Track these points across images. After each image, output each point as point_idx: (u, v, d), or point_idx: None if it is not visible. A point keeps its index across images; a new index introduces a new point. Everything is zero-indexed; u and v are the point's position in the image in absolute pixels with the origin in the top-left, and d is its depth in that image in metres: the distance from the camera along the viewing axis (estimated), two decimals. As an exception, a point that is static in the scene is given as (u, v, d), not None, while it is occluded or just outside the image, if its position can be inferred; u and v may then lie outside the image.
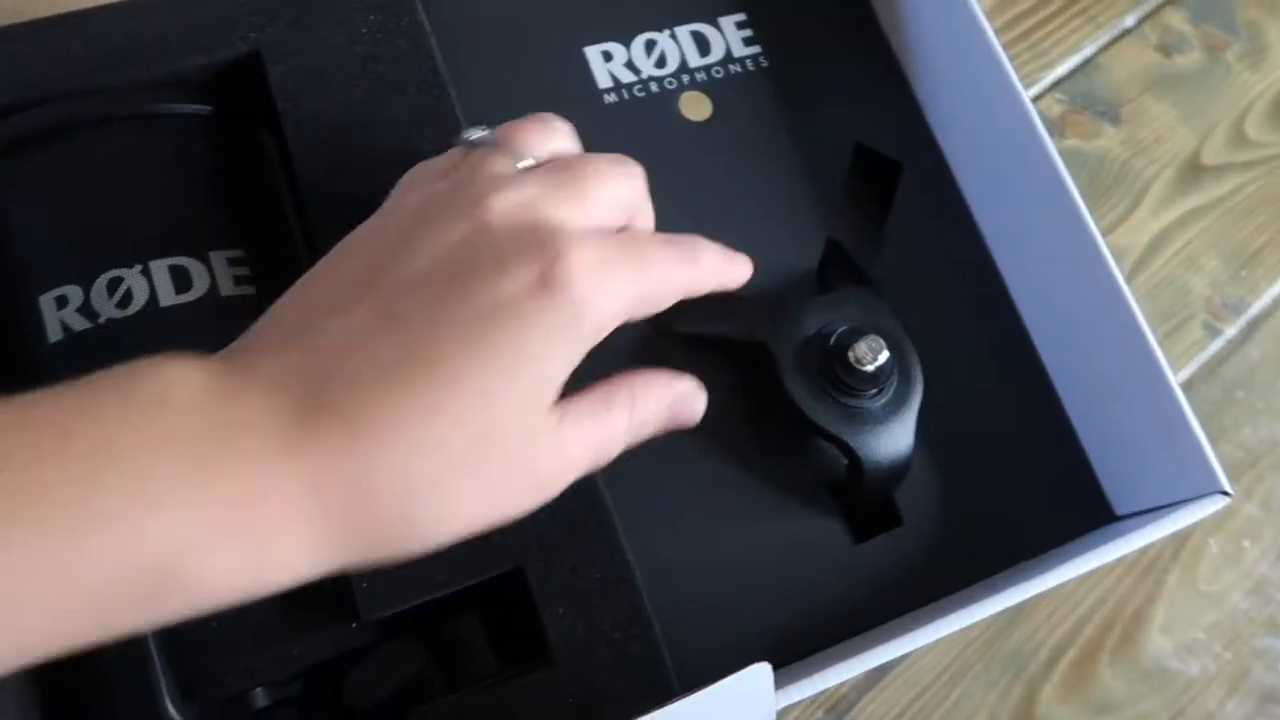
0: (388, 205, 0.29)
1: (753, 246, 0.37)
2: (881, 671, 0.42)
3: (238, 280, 0.31)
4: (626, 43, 0.39)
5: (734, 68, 0.39)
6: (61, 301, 0.30)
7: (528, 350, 0.25)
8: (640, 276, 0.27)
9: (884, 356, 0.32)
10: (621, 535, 0.30)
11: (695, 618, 0.32)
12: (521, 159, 0.29)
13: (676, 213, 0.37)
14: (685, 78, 0.39)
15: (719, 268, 0.31)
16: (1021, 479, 0.36)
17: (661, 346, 0.35)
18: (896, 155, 0.39)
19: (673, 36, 0.39)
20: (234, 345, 0.26)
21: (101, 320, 0.30)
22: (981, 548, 0.35)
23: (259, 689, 0.30)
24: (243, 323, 0.31)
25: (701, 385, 0.30)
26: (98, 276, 0.30)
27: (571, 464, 0.26)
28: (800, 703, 0.38)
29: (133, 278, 0.30)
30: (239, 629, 0.29)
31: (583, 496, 0.30)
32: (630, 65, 0.38)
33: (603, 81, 0.38)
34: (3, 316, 0.31)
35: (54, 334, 0.30)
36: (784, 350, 0.33)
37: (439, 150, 0.33)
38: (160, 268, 0.30)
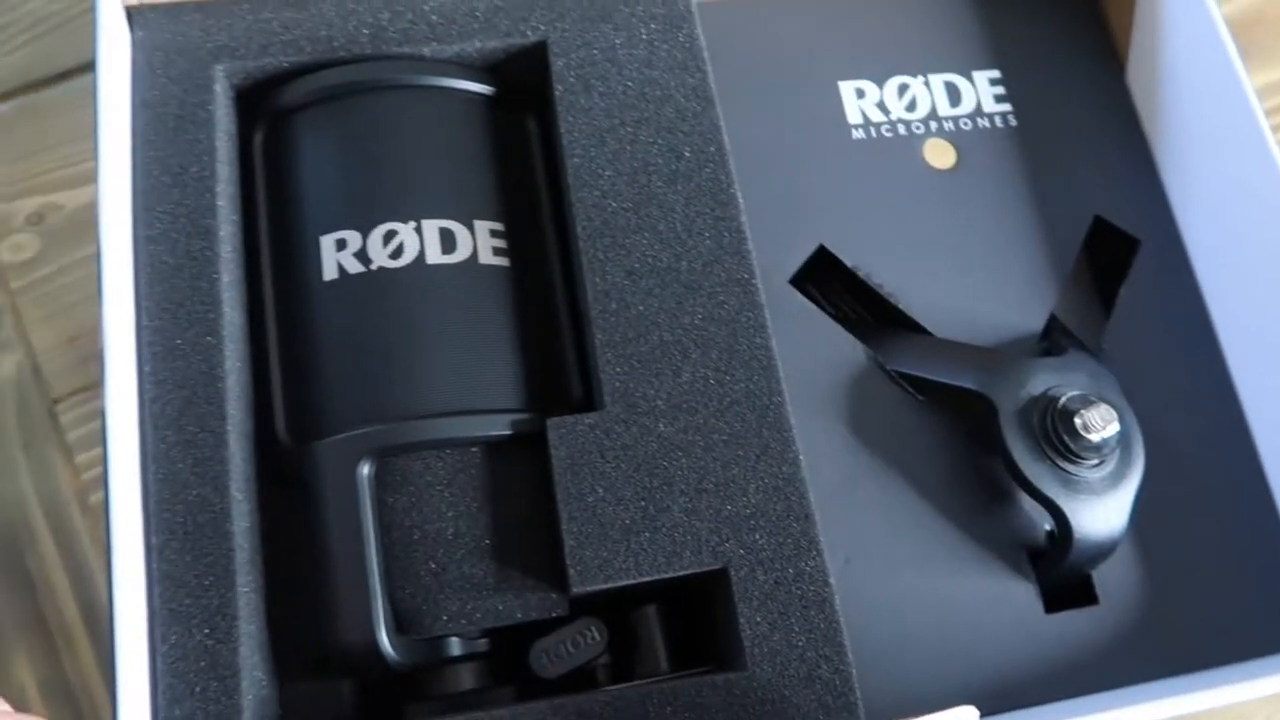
0: None
1: (978, 299, 0.37)
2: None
3: (495, 251, 0.33)
4: (880, 83, 0.39)
5: (982, 122, 0.40)
6: (341, 244, 0.32)
7: None
8: None
9: (1114, 427, 0.32)
10: (827, 559, 0.31)
11: (879, 652, 0.32)
12: None
13: (908, 256, 0.37)
14: (933, 124, 0.39)
15: None
16: (1230, 577, 0.35)
17: (876, 382, 0.36)
18: (1132, 227, 0.39)
19: (926, 84, 0.40)
20: None
21: (373, 266, 0.32)
22: (1178, 642, 0.34)
23: (455, 639, 0.31)
24: (494, 291, 0.33)
25: None
26: (375, 226, 0.32)
27: None
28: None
29: (406, 232, 0.32)
30: (456, 576, 0.30)
31: (793, 512, 0.31)
32: (881, 105, 0.39)
33: (853, 118, 0.39)
34: (286, 252, 0.33)
35: (329, 273, 0.32)
36: (1006, 405, 0.33)
37: (698, 159, 0.34)
38: (431, 227, 0.32)
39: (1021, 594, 0.34)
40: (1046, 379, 0.34)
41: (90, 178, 0.43)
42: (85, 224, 0.43)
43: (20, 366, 0.41)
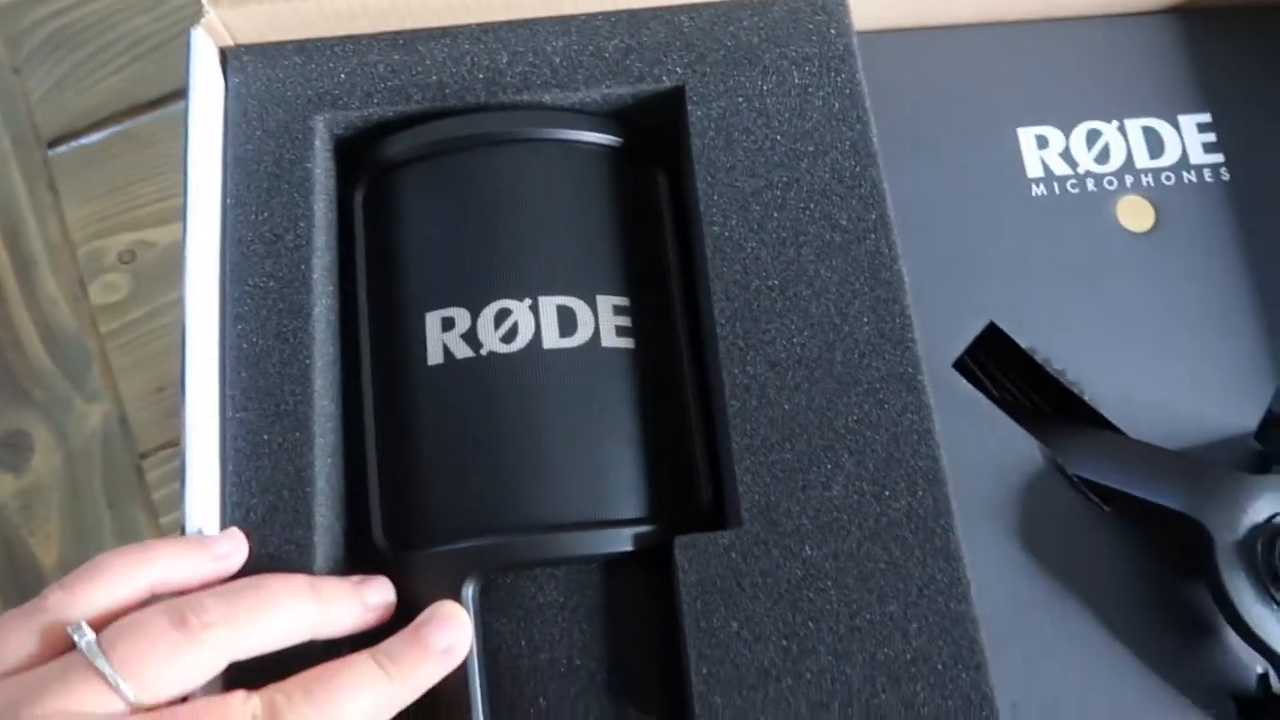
0: None
1: (1179, 390, 0.32)
2: None
3: (619, 331, 0.29)
4: (1067, 130, 0.34)
5: (1188, 175, 0.34)
6: (448, 324, 0.29)
7: None
8: None
9: (1360, 572, 0.26)
10: (1001, 705, 0.26)
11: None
12: (126, 697, 0.23)
13: (1095, 336, 0.32)
14: (1129, 179, 0.34)
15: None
16: None
17: (1054, 487, 0.31)
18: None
19: (1121, 130, 0.34)
20: None
21: (483, 351, 0.28)
22: None
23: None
24: (618, 379, 0.29)
25: None
26: (487, 304, 0.28)
27: None
28: None
29: (521, 311, 0.28)
30: (570, 715, 0.27)
31: (961, 659, 0.26)
32: (1066, 155, 0.34)
33: (1032, 170, 0.33)
34: (386, 329, 0.30)
35: (435, 356, 0.29)
36: (1223, 534, 0.28)
37: (856, 229, 0.29)
38: (549, 305, 0.29)
39: (1227, 751, 0.29)
40: (1272, 502, 0.28)
41: (185, 214, 0.41)
42: (178, 262, 0.41)
43: (108, 418, 0.39)
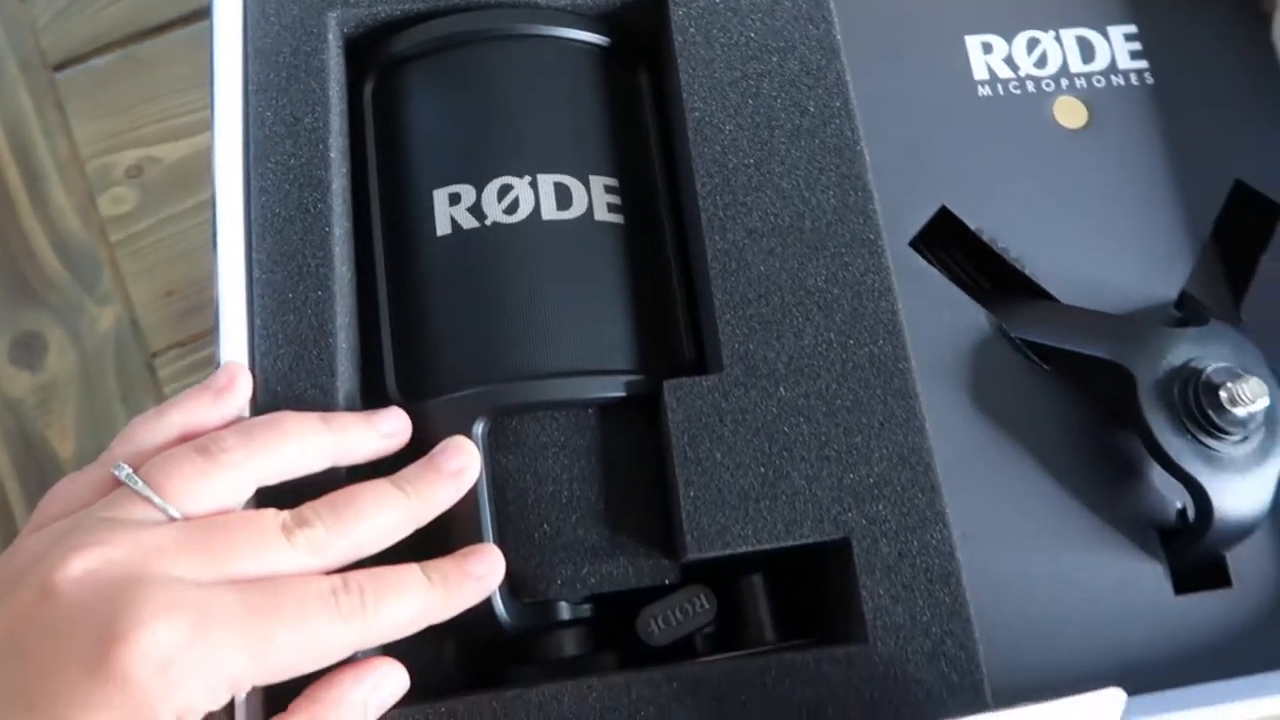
0: (16, 542, 0.26)
1: (1108, 266, 0.35)
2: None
3: (610, 208, 0.32)
4: (1009, 38, 0.37)
5: (1116, 79, 0.37)
6: (454, 199, 0.31)
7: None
8: (255, 642, 0.23)
9: (1263, 403, 0.30)
10: (953, 532, 0.29)
11: (1002, 629, 0.31)
12: (167, 510, 0.25)
13: (1035, 219, 0.36)
14: (1064, 81, 0.37)
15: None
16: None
17: (999, 350, 0.34)
18: (1276, 192, 0.36)
19: (1057, 39, 0.38)
20: None
21: (488, 222, 0.31)
22: (1317, 629, 0.32)
23: (562, 603, 0.31)
24: (609, 249, 0.32)
25: (394, 663, 0.27)
26: (490, 180, 0.31)
27: None
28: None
29: (521, 187, 0.31)
30: (571, 540, 0.29)
31: (918, 482, 0.30)
32: (1009, 61, 0.37)
33: (979, 73, 0.37)
34: (397, 206, 0.33)
35: (443, 228, 0.31)
36: (1145, 376, 0.32)
37: (822, 114, 0.33)
38: (547, 182, 0.31)
39: (1150, 574, 0.32)
40: (1188, 350, 0.32)
41: (190, 131, 0.43)
42: (184, 177, 0.43)
43: (119, 320, 0.42)
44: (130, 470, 0.26)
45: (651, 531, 0.30)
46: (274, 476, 0.27)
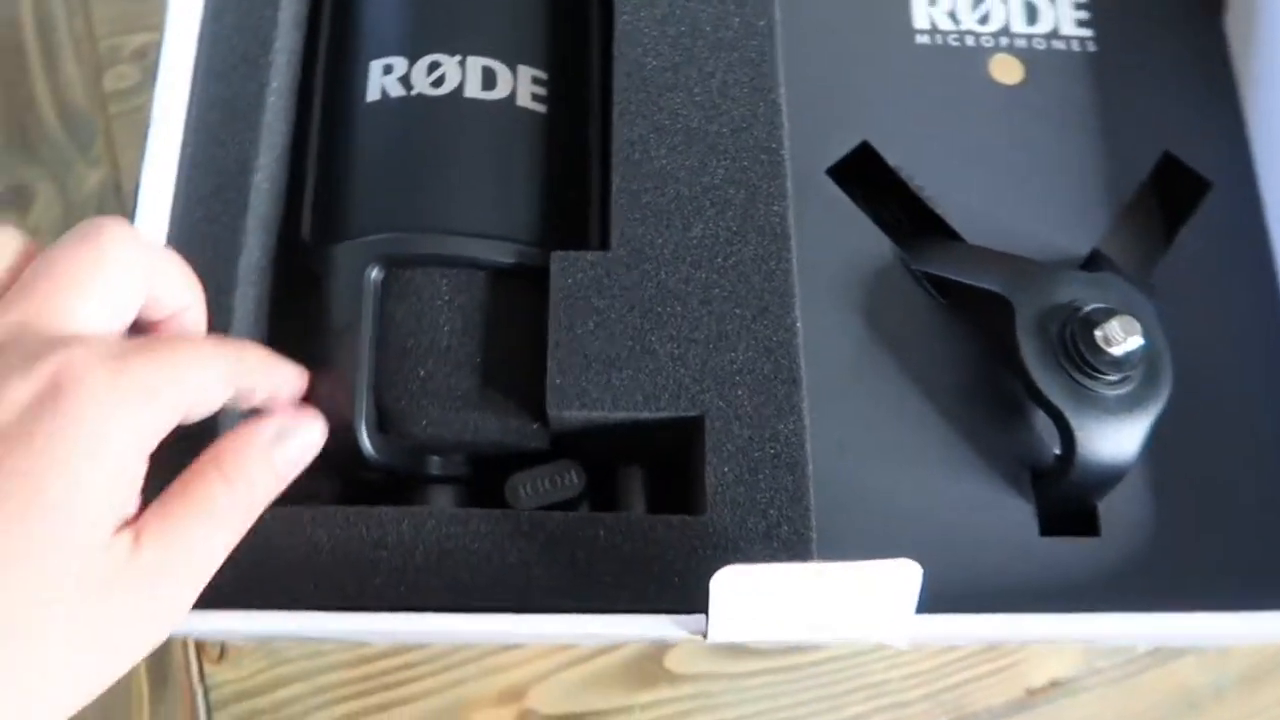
0: None
1: (1024, 218, 0.36)
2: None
3: (534, 97, 0.34)
4: (956, -8, 0.39)
5: (1057, 43, 0.38)
6: (387, 69, 0.34)
7: (38, 478, 0.21)
8: (171, 376, 0.23)
9: (1135, 342, 0.30)
10: (807, 428, 0.30)
11: (852, 538, 0.31)
12: None
13: (955, 165, 0.36)
14: (1004, 40, 0.38)
15: (265, 366, 0.27)
16: (1247, 527, 0.33)
17: (900, 281, 0.35)
18: (1206, 169, 0.37)
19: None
20: None
21: (413, 92, 0.33)
22: (1178, 586, 0.32)
23: (435, 458, 0.32)
24: (525, 132, 0.34)
25: (309, 413, 0.27)
26: (422, 55, 0.33)
27: (175, 581, 0.23)
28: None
29: (450, 65, 0.33)
30: (443, 386, 0.31)
31: (780, 374, 0.30)
32: (952, 15, 0.38)
33: (919, 22, 0.38)
34: (337, 74, 0.35)
35: (373, 94, 0.33)
36: (1026, 310, 0.32)
37: (746, 30, 0.34)
38: (475, 64, 0.33)
39: (1016, 511, 0.33)
40: (1074, 290, 0.32)
41: (195, 21, 0.46)
42: None
43: (104, 182, 0.45)
44: None
45: (526, 395, 0.31)
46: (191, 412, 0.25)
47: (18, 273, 0.24)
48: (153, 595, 0.23)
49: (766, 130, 0.33)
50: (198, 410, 0.25)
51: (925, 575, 0.32)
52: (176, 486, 0.24)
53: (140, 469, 0.23)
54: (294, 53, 0.35)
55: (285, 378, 0.29)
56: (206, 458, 0.25)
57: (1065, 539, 0.32)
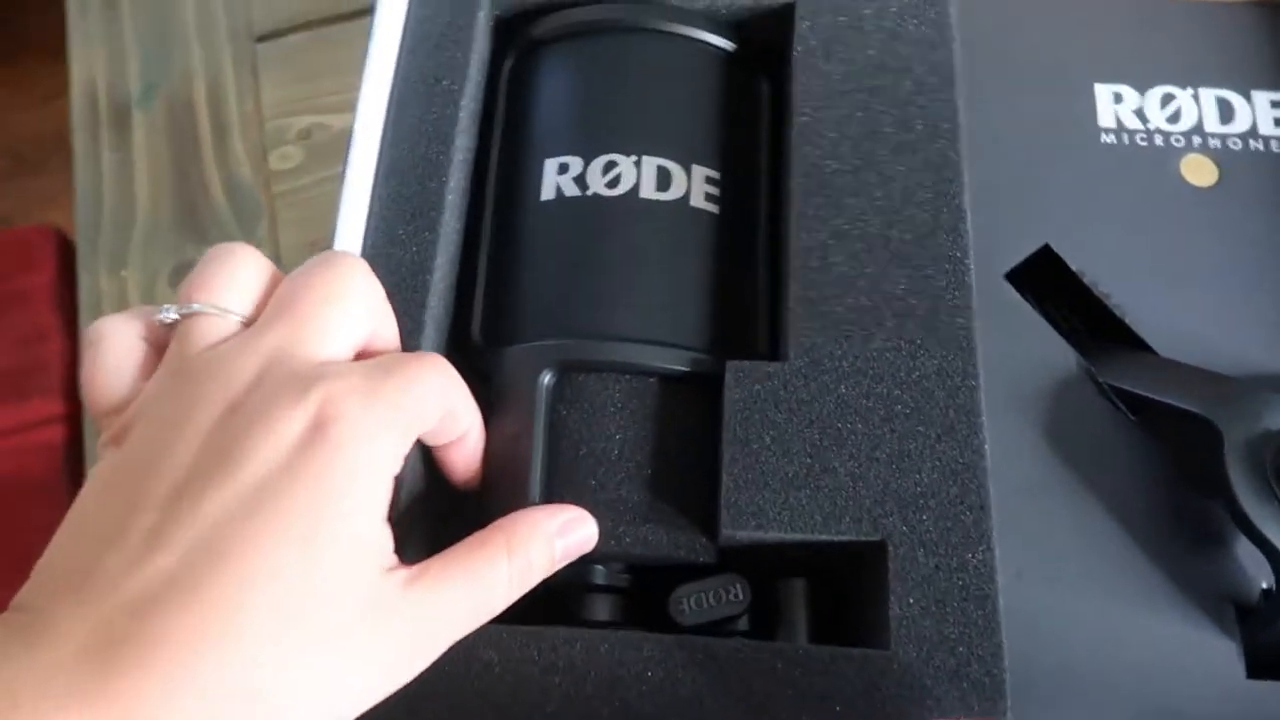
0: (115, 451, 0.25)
1: (1218, 328, 0.34)
2: None
3: (707, 197, 0.34)
4: (1142, 90, 0.37)
5: (1255, 144, 0.36)
6: (563, 168, 0.34)
7: (321, 508, 0.23)
8: (411, 402, 0.25)
9: (1361, 477, 0.28)
10: (996, 558, 0.28)
11: (1041, 676, 0.29)
12: (229, 314, 0.26)
13: (1144, 272, 0.35)
14: (1196, 139, 0.36)
15: (466, 397, 0.29)
16: None
17: (1085, 393, 0.33)
18: None
19: (1195, 97, 0.37)
20: (24, 589, 0.23)
21: (589, 192, 0.33)
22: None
23: (599, 567, 0.31)
24: (698, 234, 0.33)
25: (587, 515, 0.28)
26: (598, 155, 0.33)
27: (442, 623, 0.25)
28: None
29: (626, 165, 0.33)
30: (614, 497, 0.30)
31: (968, 499, 0.29)
32: (1139, 113, 0.37)
33: (1105, 121, 0.37)
34: (512, 171, 0.35)
35: (548, 193, 0.33)
36: (1235, 435, 0.30)
37: (928, 133, 0.33)
38: (650, 163, 0.33)
39: (1221, 652, 0.30)
40: (1286, 416, 0.30)
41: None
42: (346, 145, 0.47)
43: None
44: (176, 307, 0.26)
45: (695, 508, 0.30)
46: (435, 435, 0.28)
47: (268, 296, 0.26)
48: (418, 630, 0.25)
49: (950, 238, 0.32)
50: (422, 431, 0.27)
51: (1112, 715, 0.30)
52: (464, 546, 0.26)
53: (390, 492, 0.25)
54: (470, 150, 0.35)
55: (477, 418, 0.30)
56: (496, 527, 0.27)
57: (1273, 684, 0.30)
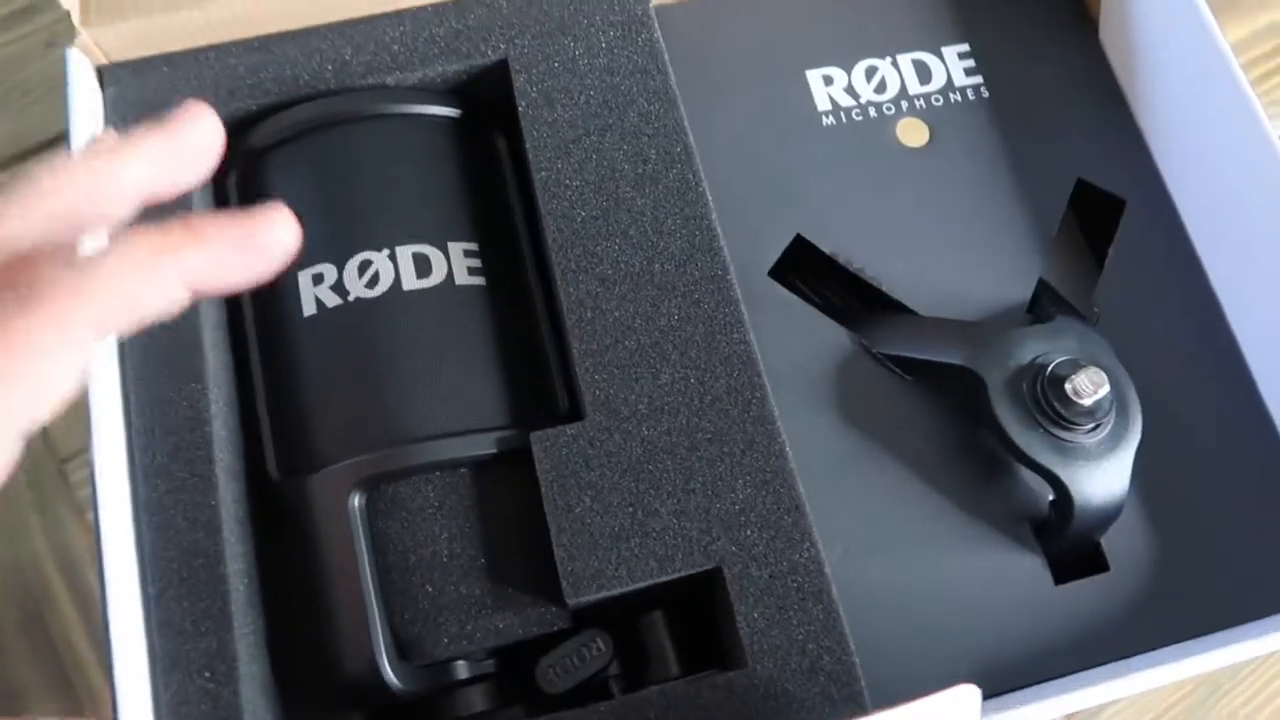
0: None
1: (963, 275, 0.37)
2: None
3: (470, 271, 0.33)
4: (848, 68, 0.39)
5: (954, 96, 0.39)
6: (318, 279, 0.33)
7: None
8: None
9: (1104, 390, 0.31)
10: (821, 549, 0.30)
11: (886, 641, 0.32)
12: None
13: (888, 238, 0.37)
14: (904, 104, 0.39)
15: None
16: (1241, 534, 0.34)
17: (863, 366, 0.35)
18: (1117, 187, 0.38)
19: (894, 64, 0.39)
20: None
21: (350, 298, 0.32)
22: (1191, 605, 0.33)
23: (461, 661, 0.31)
24: (473, 310, 0.33)
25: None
26: (350, 257, 0.33)
27: None
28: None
29: (380, 261, 0.33)
30: (454, 598, 0.30)
31: (783, 504, 0.31)
32: (850, 90, 0.39)
33: (822, 104, 0.39)
34: (265, 290, 0.34)
35: (309, 308, 0.33)
36: (994, 377, 0.33)
37: (664, 161, 0.34)
38: (405, 254, 0.33)
39: (1029, 567, 0.33)
40: (1034, 347, 0.33)
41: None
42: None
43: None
44: None
45: (537, 581, 0.31)
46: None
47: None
48: None
49: (708, 257, 0.33)
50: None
51: (964, 653, 0.32)
52: None
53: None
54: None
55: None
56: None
57: (1079, 582, 0.33)
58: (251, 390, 0.33)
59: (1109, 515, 0.32)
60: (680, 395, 0.32)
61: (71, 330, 0.19)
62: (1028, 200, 0.38)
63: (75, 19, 0.34)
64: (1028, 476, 0.34)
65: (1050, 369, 0.32)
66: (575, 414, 0.33)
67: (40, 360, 0.19)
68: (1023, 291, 0.37)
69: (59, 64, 0.48)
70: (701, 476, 0.31)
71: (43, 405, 0.19)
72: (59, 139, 0.47)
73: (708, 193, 0.34)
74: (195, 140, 0.24)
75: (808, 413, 0.35)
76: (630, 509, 0.30)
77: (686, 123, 0.35)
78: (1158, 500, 0.34)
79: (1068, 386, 0.32)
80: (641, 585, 0.30)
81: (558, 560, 0.30)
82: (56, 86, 0.48)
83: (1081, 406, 0.32)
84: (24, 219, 0.21)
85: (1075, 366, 0.32)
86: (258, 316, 0.34)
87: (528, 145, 0.34)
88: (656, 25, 0.36)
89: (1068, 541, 0.33)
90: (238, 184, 0.35)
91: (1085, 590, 0.33)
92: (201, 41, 0.36)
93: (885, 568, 0.33)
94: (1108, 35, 0.40)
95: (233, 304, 0.34)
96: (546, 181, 0.34)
